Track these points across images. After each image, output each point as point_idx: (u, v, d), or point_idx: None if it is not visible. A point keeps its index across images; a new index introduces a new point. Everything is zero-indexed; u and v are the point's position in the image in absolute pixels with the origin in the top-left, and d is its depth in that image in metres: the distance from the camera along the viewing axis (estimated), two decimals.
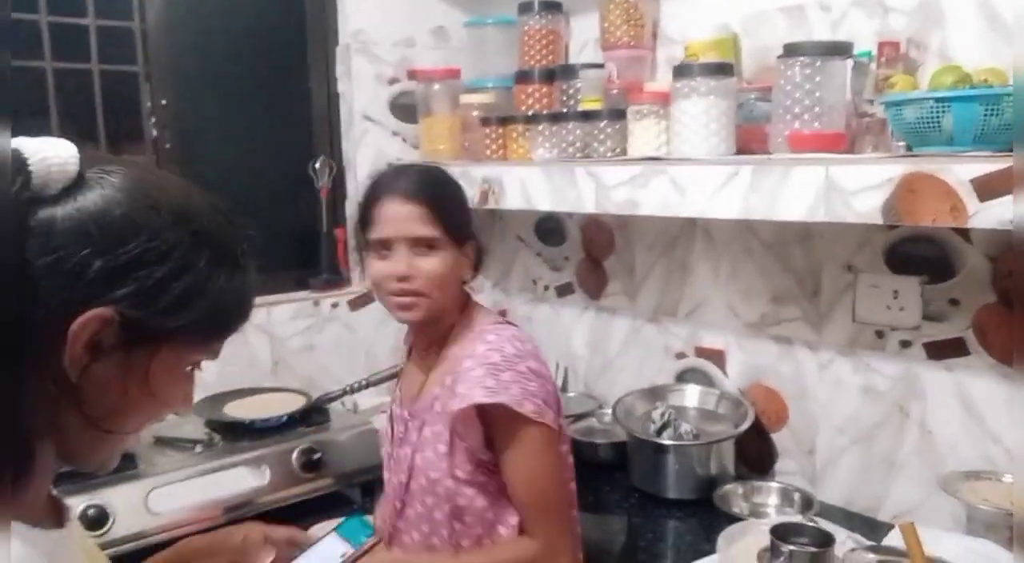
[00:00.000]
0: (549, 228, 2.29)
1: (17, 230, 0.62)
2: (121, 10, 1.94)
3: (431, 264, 1.26)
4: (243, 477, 1.65)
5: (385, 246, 1.27)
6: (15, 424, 0.62)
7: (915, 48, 1.49)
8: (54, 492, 0.75)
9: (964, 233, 1.46)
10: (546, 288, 2.32)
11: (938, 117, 1.17)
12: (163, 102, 1.99)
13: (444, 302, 1.30)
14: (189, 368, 0.74)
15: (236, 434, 1.75)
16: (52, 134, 0.67)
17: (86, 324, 0.63)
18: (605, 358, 2.19)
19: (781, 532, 1.22)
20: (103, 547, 0.91)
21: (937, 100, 1.16)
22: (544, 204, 1.79)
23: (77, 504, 1.48)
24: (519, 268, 2.41)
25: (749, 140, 1.56)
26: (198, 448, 1.70)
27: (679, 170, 1.49)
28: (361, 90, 2.18)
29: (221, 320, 0.72)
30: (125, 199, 0.66)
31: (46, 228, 0.62)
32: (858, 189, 1.23)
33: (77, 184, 0.65)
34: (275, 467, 1.68)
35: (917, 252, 1.53)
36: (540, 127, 1.83)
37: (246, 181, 2.14)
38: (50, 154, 0.64)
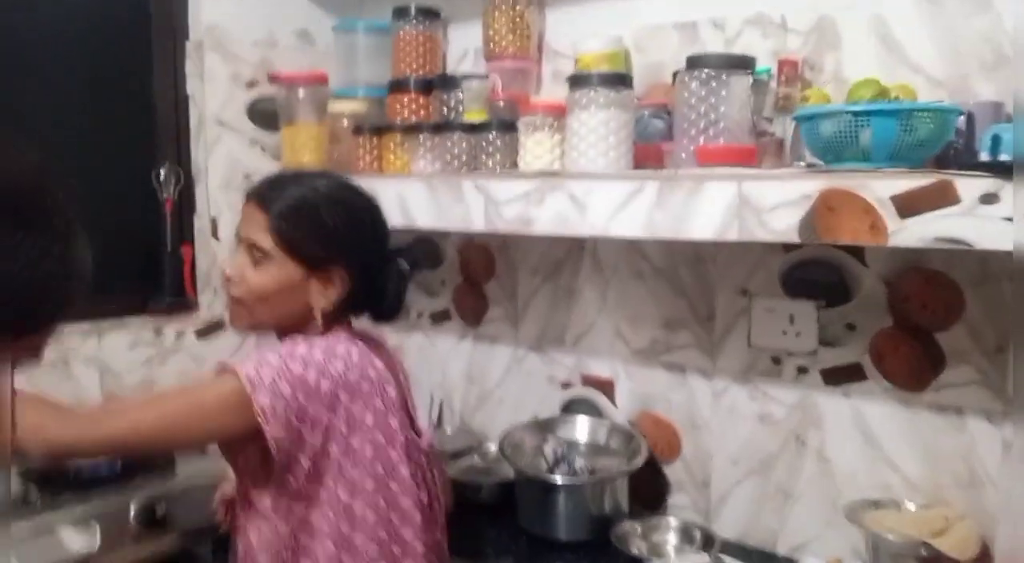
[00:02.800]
0: (423, 250, 2.13)
1: None
2: None
3: (255, 275, 1.23)
4: (69, 539, 1.39)
5: (238, 242, 1.28)
6: None
7: (810, 69, 1.47)
8: None
9: (860, 256, 1.44)
10: (419, 315, 2.16)
11: (855, 132, 1.13)
12: None
13: (268, 318, 1.26)
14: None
15: (58, 486, 1.48)
16: None
17: None
18: (484, 389, 2.05)
19: None
20: None
21: (856, 114, 1.12)
22: (426, 221, 1.63)
23: None
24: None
25: (645, 158, 1.48)
26: (10, 507, 1.41)
27: (578, 185, 1.38)
28: (214, 92, 1.95)
29: (24, 304, 0.56)
30: None
31: None
32: (773, 206, 1.17)
33: None
34: (108, 525, 1.42)
35: (813, 276, 1.50)
36: (421, 138, 1.68)
37: (76, 188, 1.86)
38: None
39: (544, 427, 1.77)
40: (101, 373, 1.81)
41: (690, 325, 1.65)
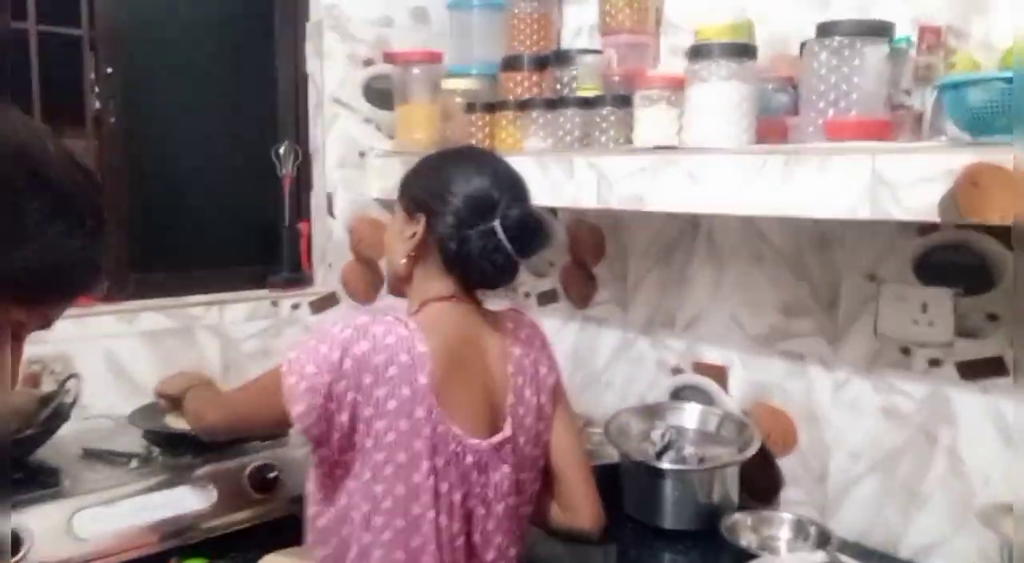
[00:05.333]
0: None
1: None
2: None
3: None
4: (185, 497, 1.44)
5: None
6: None
7: (954, 36, 1.36)
8: None
9: (1005, 239, 1.32)
10: (527, 295, 2.15)
11: (1006, 101, 1.03)
12: (108, 71, 1.76)
13: (388, 265, 1.35)
14: (10, 332, 0.63)
15: (178, 448, 1.53)
16: None
17: None
18: (590, 372, 2.01)
19: None
20: None
21: (1009, 81, 1.02)
22: (537, 198, 1.60)
23: None
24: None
25: (767, 133, 1.41)
26: (133, 463, 1.48)
27: (696, 161, 1.33)
28: (332, 71, 1.99)
29: (50, 277, 0.63)
30: None
31: None
32: (911, 182, 1.08)
33: None
34: (223, 486, 1.46)
35: (950, 261, 1.39)
36: (534, 114, 1.66)
37: (200, 164, 1.93)
38: None
39: (652, 412, 1.72)
40: (222, 342, 1.87)
41: (812, 312, 1.57)
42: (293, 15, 2.01)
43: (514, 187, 1.24)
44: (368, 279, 2.06)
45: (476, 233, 1.19)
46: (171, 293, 1.85)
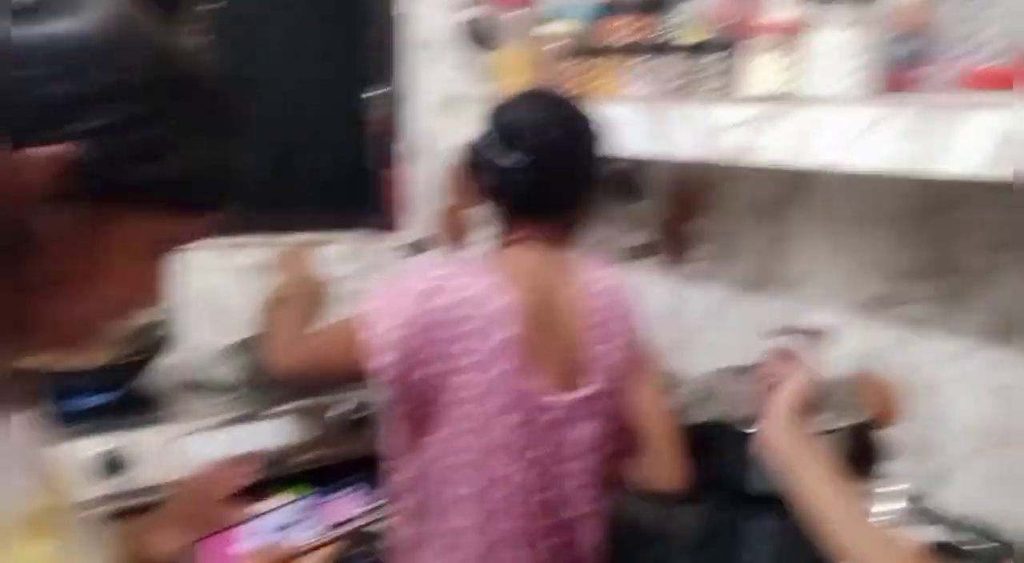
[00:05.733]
0: (626, 181, 2.04)
1: None
2: None
3: None
4: (278, 431, 1.47)
5: None
6: None
7: None
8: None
9: None
10: (622, 248, 2.08)
11: None
12: (213, 6, 1.75)
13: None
14: (156, 251, 0.60)
15: (273, 382, 1.55)
16: None
17: (40, 159, 0.50)
18: (683, 331, 1.95)
19: None
20: (116, 498, 0.74)
21: None
22: (634, 148, 1.54)
23: (90, 448, 1.31)
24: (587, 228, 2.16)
25: (892, 85, 1.29)
26: (228, 395, 1.52)
27: (811, 112, 1.23)
28: (426, 14, 1.94)
29: (197, 190, 0.59)
30: (101, 24, 0.53)
31: (6, 43, 0.50)
32: None
33: (45, 4, 0.52)
34: (313, 423, 1.49)
35: None
36: (634, 60, 1.58)
37: (291, 107, 1.93)
38: None
39: (747, 375, 1.65)
40: None
41: (929, 277, 1.47)
42: None
43: (552, 119, 1.22)
44: (457, 225, 2.04)
45: (501, 158, 1.18)
46: (264, 231, 1.86)
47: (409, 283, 1.14)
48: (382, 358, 1.11)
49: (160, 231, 0.58)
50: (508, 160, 1.17)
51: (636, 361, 1.28)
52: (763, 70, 1.37)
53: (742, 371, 1.67)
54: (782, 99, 1.30)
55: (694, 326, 1.92)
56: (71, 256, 0.54)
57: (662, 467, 1.29)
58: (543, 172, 1.18)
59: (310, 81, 1.96)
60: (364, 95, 1.96)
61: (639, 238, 2.03)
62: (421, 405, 1.15)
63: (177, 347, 1.61)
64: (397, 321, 1.10)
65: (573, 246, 1.28)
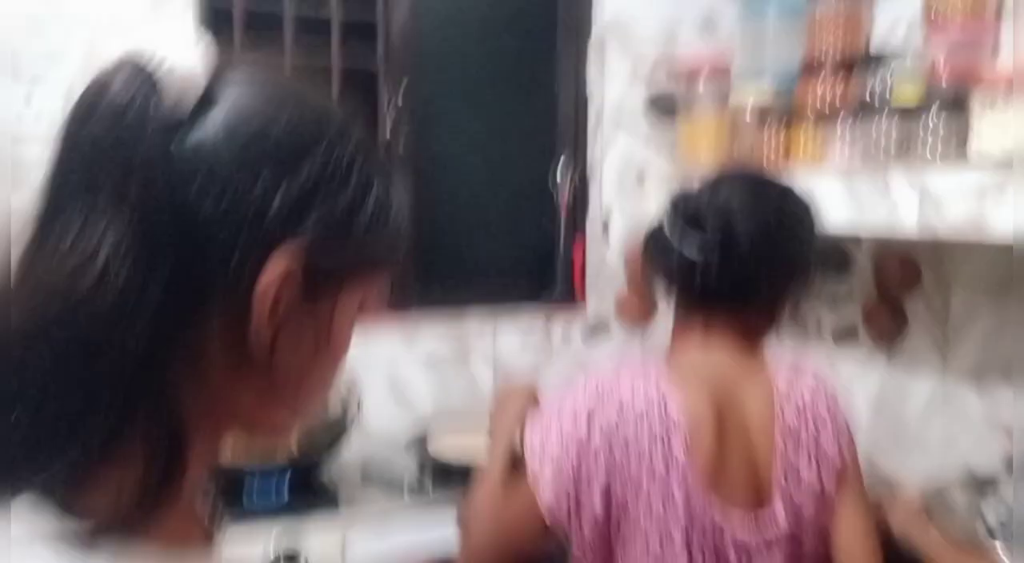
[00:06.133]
0: (828, 254, 1.87)
1: (164, 171, 0.44)
2: (366, 4, 1.80)
3: None
4: (455, 530, 1.41)
5: None
6: (164, 414, 0.46)
7: None
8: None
9: None
10: (820, 329, 1.90)
11: None
12: (398, 103, 1.82)
13: None
14: (363, 306, 0.56)
15: (450, 478, 1.51)
16: None
17: (273, 279, 0.47)
18: (898, 426, 1.72)
19: None
20: None
21: None
22: (840, 222, 1.40)
23: (266, 542, 1.31)
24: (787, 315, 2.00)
25: None
26: (406, 495, 1.48)
27: None
28: (614, 89, 1.91)
29: (397, 236, 0.55)
30: (279, 105, 0.49)
31: (199, 158, 0.45)
32: None
33: (210, 94, 0.47)
34: None
35: None
36: (839, 125, 1.45)
37: (480, 185, 1.94)
38: (171, 55, 0.46)
39: (981, 485, 1.41)
40: (495, 368, 1.85)
41: None
42: (576, 34, 1.97)
43: (744, 199, 1.06)
44: (642, 307, 1.95)
45: (683, 243, 1.05)
46: (448, 308, 1.85)
47: (574, 400, 1.02)
48: (554, 491, 0.99)
49: (367, 293, 0.55)
50: (690, 245, 1.04)
51: (841, 486, 1.08)
52: (996, 128, 1.20)
53: (977, 481, 1.43)
54: (1020, 163, 1.13)
55: (911, 421, 1.70)
56: (299, 355, 0.51)
57: None
58: (730, 259, 1.03)
59: (501, 160, 1.97)
60: (552, 170, 1.94)
61: (845, 320, 1.84)
62: (598, 537, 1.01)
63: (357, 434, 1.61)
64: (567, 446, 0.99)
65: (766, 342, 1.12)
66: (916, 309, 1.68)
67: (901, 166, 1.33)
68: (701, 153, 1.80)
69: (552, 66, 1.99)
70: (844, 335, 1.85)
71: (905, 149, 1.36)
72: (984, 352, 1.55)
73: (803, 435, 1.05)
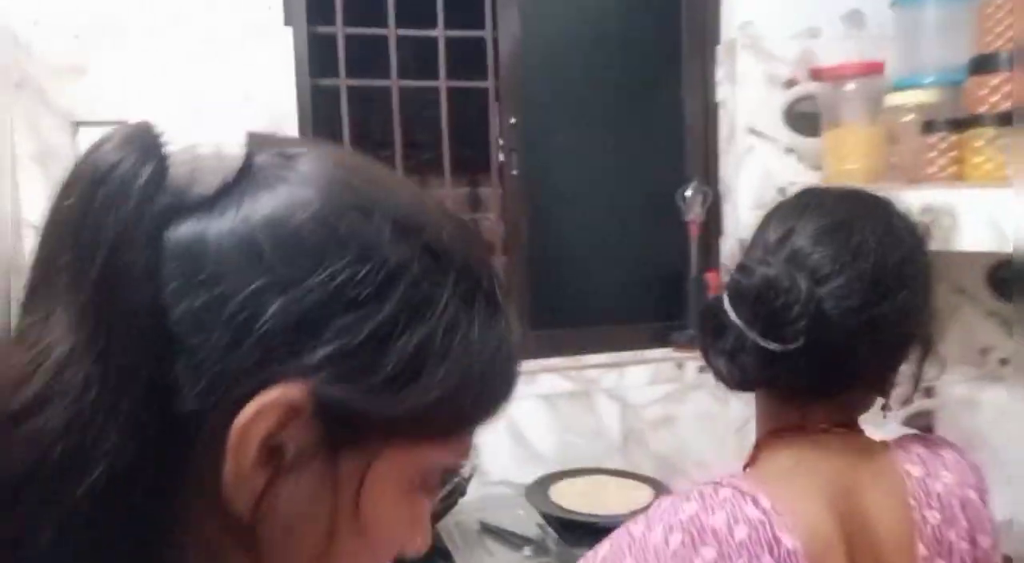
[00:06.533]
0: (1011, 276, 1.63)
1: (144, 257, 0.36)
2: (473, 19, 1.71)
3: None
4: None
5: None
6: None
7: None
8: None
9: None
10: (1002, 362, 1.65)
11: None
12: (512, 121, 1.71)
13: None
14: (420, 486, 0.43)
15: (575, 532, 1.38)
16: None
17: (259, 414, 0.36)
18: None
19: None
20: None
21: None
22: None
23: None
24: (958, 332, 1.76)
25: None
26: (527, 550, 1.36)
27: None
28: (747, 96, 1.73)
29: (479, 392, 0.42)
30: (317, 198, 0.39)
31: (191, 251, 0.36)
32: None
33: (242, 180, 0.38)
34: None
35: None
36: (1019, 128, 1.22)
37: (600, 210, 1.81)
38: (200, 135, 0.38)
39: None
40: (622, 407, 1.71)
41: None
42: (702, 38, 1.80)
43: (847, 251, 0.81)
44: None
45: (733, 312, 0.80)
46: (569, 351, 1.73)
47: (652, 541, 0.78)
48: None
49: (425, 463, 0.42)
50: (758, 326, 0.78)
51: None
52: None
53: None
54: None
55: None
56: (315, 524, 0.40)
57: None
58: (819, 343, 0.78)
59: (622, 182, 1.83)
60: (681, 191, 1.78)
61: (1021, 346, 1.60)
62: None
63: (477, 480, 1.50)
64: None
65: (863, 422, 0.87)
66: None
67: None
68: (852, 164, 1.59)
69: (677, 75, 1.83)
70: (1020, 362, 1.60)
71: None
72: None
73: (950, 536, 0.80)
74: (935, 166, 1.39)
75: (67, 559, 0.36)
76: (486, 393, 0.43)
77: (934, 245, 1.33)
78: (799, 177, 1.74)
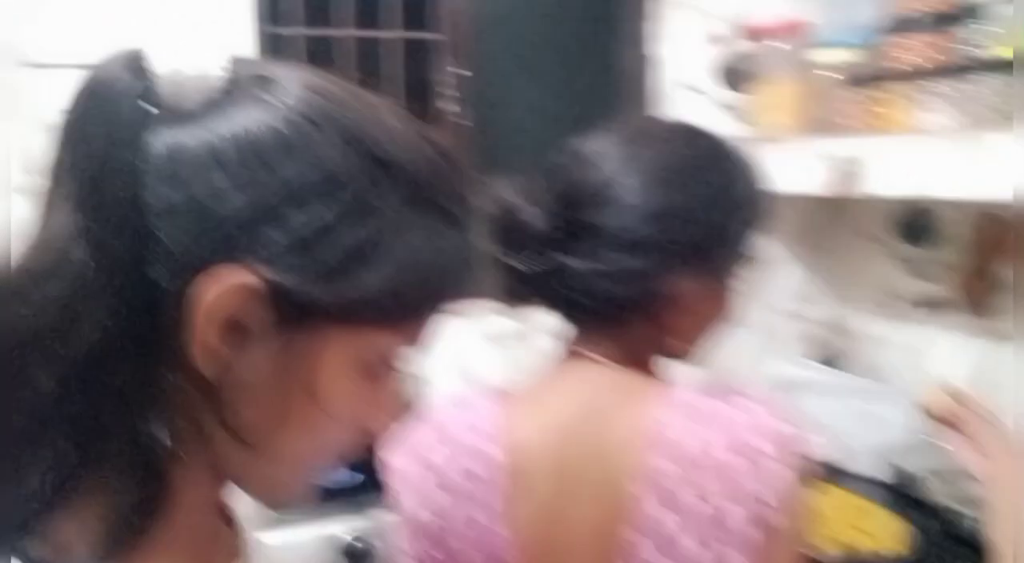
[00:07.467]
0: (917, 223, 1.78)
1: (130, 157, 0.43)
2: None
3: None
4: None
5: None
6: (136, 441, 0.44)
7: None
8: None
9: None
10: (908, 302, 1.81)
11: None
12: (463, 74, 1.77)
13: None
14: (373, 372, 0.50)
15: None
16: None
17: (222, 294, 0.43)
18: (995, 398, 1.63)
19: None
20: None
21: None
22: (934, 190, 1.31)
23: (337, 528, 1.31)
24: (869, 275, 1.91)
25: None
26: None
27: None
28: (682, 53, 1.82)
29: (422, 289, 0.50)
30: (282, 115, 0.46)
31: (170, 155, 0.43)
32: None
33: (221, 99, 0.46)
34: None
35: None
36: (933, 85, 1.35)
37: (541, 161, 1.89)
38: (188, 59, 0.46)
39: None
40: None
41: None
42: None
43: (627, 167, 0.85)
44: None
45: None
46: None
47: (412, 435, 0.87)
48: (411, 547, 0.86)
49: (374, 346, 0.50)
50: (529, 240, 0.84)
51: (760, 553, 0.76)
52: None
53: None
54: None
55: (1009, 394, 1.60)
56: (271, 395, 0.47)
57: None
58: (585, 253, 0.82)
59: (560, 124, 1.91)
60: None
61: (930, 289, 1.75)
62: None
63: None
64: (407, 494, 0.86)
65: (687, 352, 0.89)
66: (1012, 277, 1.58)
67: (1001, 128, 1.23)
68: (779, 119, 1.71)
69: (616, 31, 1.91)
70: (934, 306, 1.76)
71: (1005, 110, 1.26)
72: None
73: (679, 490, 0.76)
74: (854, 118, 1.52)
75: (66, 411, 0.43)
76: (429, 290, 0.50)
77: (850, 192, 1.47)
78: (732, 131, 1.85)
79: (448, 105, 1.78)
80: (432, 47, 1.77)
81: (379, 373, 0.51)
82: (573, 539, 0.80)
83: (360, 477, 1.42)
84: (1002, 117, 1.26)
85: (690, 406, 0.79)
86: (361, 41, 1.71)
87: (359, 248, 0.46)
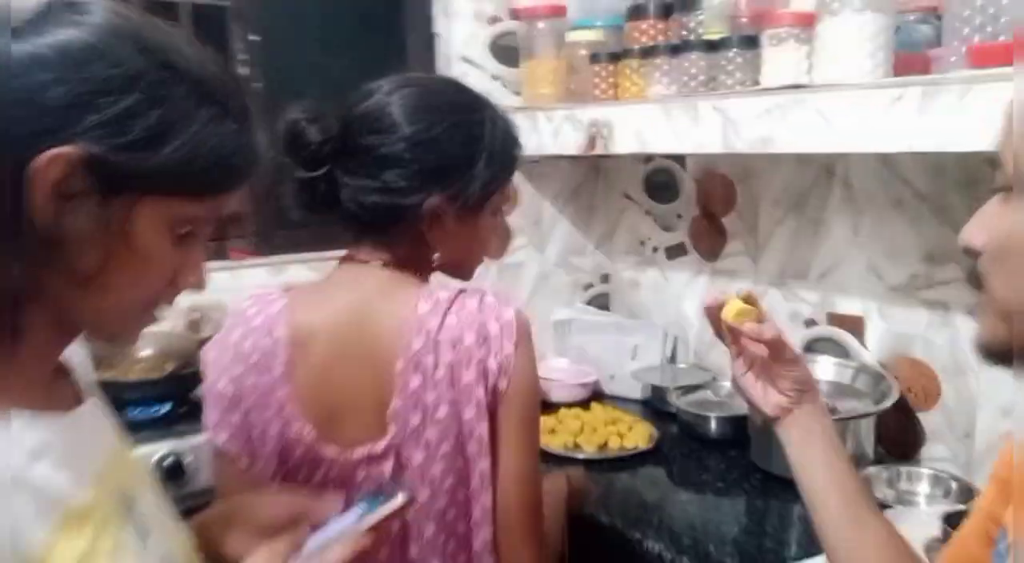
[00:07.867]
0: (660, 182, 2.09)
1: None
2: None
3: None
4: None
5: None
6: None
7: None
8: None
9: None
10: (655, 250, 2.13)
11: None
12: (253, 39, 1.87)
13: None
14: (186, 230, 0.64)
15: None
16: None
17: (48, 164, 0.56)
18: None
19: (955, 520, 1.01)
20: (177, 501, 0.80)
21: None
22: (662, 146, 1.60)
23: (151, 454, 1.40)
24: (624, 228, 2.22)
25: (907, 67, 1.33)
26: None
27: (827, 98, 1.28)
28: (459, 30, 2.02)
29: (209, 168, 0.63)
30: (92, 30, 0.59)
31: (2, 63, 0.56)
32: None
33: (41, 19, 0.58)
34: None
35: None
36: (658, 61, 1.63)
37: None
38: None
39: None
40: None
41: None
42: None
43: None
44: None
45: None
46: (313, 248, 1.94)
47: (226, 327, 1.06)
48: (216, 414, 1.03)
49: (178, 214, 0.63)
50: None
51: (497, 422, 0.99)
52: (781, 61, 1.41)
53: None
54: (798, 87, 1.34)
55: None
56: (98, 248, 0.60)
57: (509, 558, 1.01)
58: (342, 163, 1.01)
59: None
60: None
61: (672, 238, 2.07)
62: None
63: None
64: (213, 370, 1.03)
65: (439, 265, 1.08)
66: (733, 224, 1.92)
67: (707, 94, 1.53)
68: (543, 89, 1.95)
69: (400, 6, 2.08)
70: (675, 252, 2.08)
71: (712, 81, 1.56)
72: (786, 257, 1.80)
73: (430, 363, 0.97)
74: (599, 89, 1.78)
75: None
76: (216, 170, 0.64)
77: (601, 150, 1.73)
78: (503, 100, 2.07)
79: (238, 69, 1.87)
80: (223, 13, 1.86)
81: (188, 239, 0.65)
82: (344, 397, 1.00)
83: (168, 406, 1.53)
84: (708, 87, 1.56)
85: (443, 300, 1.00)
86: (152, 4, 1.76)
87: (155, 128, 0.59)
